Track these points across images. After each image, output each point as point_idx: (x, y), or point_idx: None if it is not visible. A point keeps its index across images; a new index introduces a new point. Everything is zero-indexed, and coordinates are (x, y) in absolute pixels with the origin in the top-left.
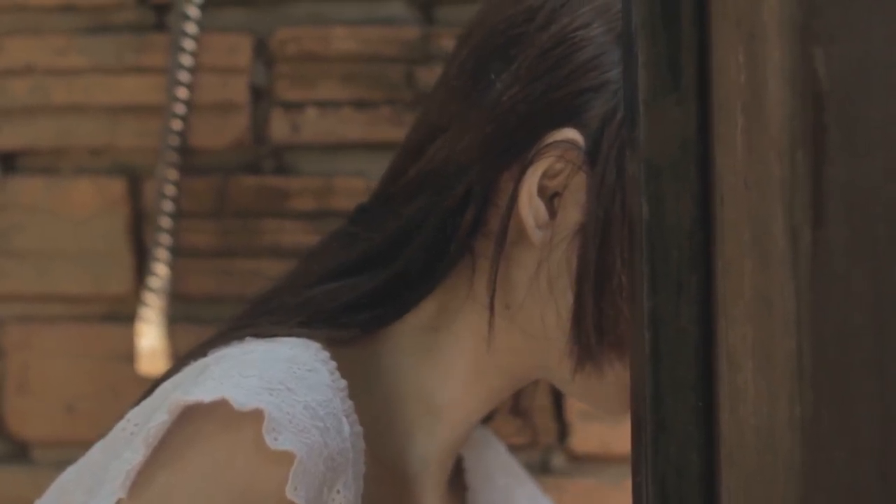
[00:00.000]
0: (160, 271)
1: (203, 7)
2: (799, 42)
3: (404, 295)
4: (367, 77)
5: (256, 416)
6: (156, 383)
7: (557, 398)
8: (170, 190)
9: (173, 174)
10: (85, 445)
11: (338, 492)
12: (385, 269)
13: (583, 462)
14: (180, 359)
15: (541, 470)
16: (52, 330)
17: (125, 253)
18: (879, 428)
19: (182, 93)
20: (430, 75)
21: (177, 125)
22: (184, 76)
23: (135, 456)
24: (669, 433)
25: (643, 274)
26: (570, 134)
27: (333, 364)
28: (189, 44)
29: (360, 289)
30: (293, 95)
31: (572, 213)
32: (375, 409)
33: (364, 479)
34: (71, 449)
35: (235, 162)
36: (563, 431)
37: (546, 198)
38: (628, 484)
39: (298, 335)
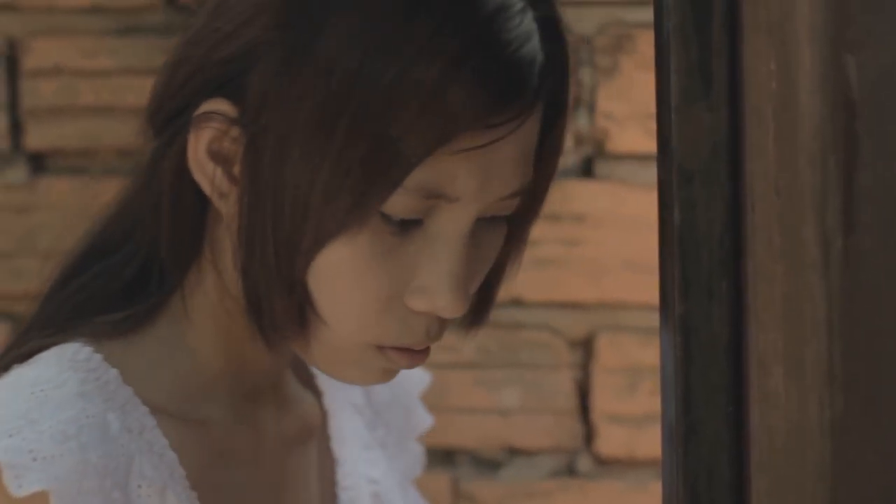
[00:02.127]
0: None
1: None
2: (830, 49)
3: (166, 272)
4: None
5: None
6: None
7: (584, 401)
8: None
9: None
10: None
11: (139, 486)
12: (136, 250)
13: (608, 465)
14: None
15: (566, 473)
16: None
17: None
18: None
19: None
20: None
21: None
22: None
23: None
24: (700, 437)
25: (674, 279)
26: (219, 105)
27: (98, 358)
28: None
29: (113, 276)
30: None
31: (238, 190)
32: (167, 379)
33: (183, 445)
34: None
35: None
36: (589, 434)
37: (228, 165)
38: (654, 487)
39: (56, 343)
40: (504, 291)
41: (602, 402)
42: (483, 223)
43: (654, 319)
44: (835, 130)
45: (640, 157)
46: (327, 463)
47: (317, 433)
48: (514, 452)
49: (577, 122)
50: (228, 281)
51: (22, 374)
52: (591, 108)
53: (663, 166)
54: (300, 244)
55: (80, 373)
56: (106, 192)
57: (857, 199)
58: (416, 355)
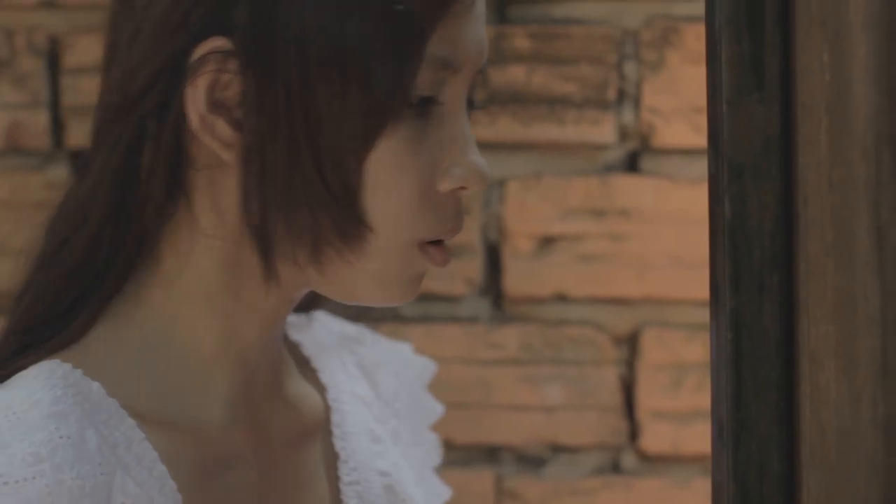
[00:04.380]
0: None
1: None
2: (885, 41)
3: (119, 266)
4: None
5: None
6: None
7: (629, 397)
8: None
9: None
10: None
11: (122, 503)
12: (72, 247)
13: (653, 462)
14: None
15: (611, 470)
16: None
17: None
18: None
19: None
20: (502, 75)
21: None
22: None
23: None
24: (751, 432)
25: (725, 274)
26: (216, 43)
27: (77, 373)
28: None
29: (66, 273)
30: None
31: (259, 122)
32: (155, 382)
33: (175, 456)
34: None
35: None
36: (633, 431)
37: (229, 112)
38: (699, 484)
39: (32, 362)
40: (548, 286)
41: (647, 398)
42: None
43: (699, 315)
44: (890, 123)
45: (686, 152)
46: (330, 459)
47: (320, 430)
48: (557, 449)
49: (623, 117)
50: (229, 242)
51: None
52: (637, 103)
53: (714, 160)
54: (347, 148)
55: (56, 390)
56: None
57: None
58: (446, 250)
